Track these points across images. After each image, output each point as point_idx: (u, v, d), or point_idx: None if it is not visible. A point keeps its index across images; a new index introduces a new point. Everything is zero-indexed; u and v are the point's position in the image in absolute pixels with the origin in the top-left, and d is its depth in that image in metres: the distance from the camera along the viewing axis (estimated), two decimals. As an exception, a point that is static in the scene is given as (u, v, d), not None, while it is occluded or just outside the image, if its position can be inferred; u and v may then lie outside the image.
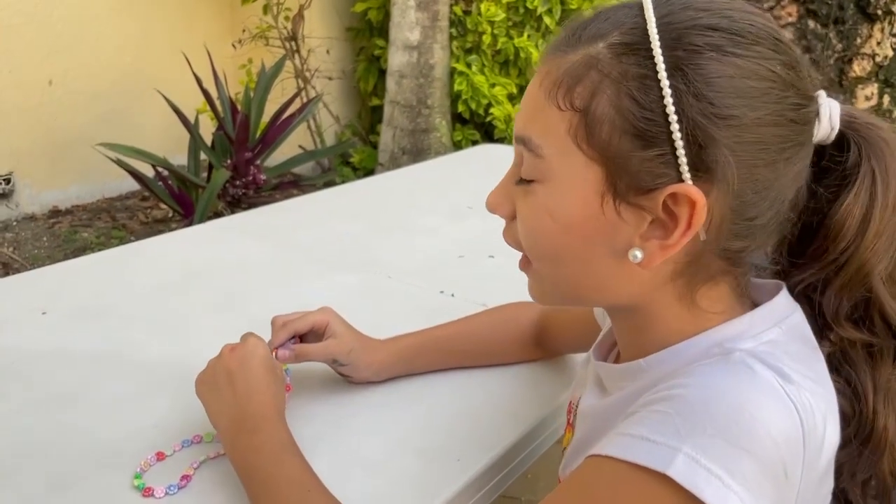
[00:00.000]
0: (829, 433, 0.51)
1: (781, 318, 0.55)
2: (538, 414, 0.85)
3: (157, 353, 0.99)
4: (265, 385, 0.73)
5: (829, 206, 0.56)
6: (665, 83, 0.49)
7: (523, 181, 0.57)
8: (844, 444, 0.58)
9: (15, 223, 3.50)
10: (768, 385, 0.49)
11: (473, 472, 0.74)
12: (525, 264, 0.61)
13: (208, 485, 0.72)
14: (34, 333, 1.04)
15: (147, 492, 0.70)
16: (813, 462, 0.50)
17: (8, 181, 3.49)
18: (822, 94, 0.55)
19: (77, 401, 0.88)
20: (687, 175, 0.50)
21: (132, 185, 3.41)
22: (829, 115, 0.55)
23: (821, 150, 0.57)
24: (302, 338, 0.85)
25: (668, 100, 0.49)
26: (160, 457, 0.76)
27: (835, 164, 0.57)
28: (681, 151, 0.49)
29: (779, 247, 0.59)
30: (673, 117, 0.49)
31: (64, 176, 3.66)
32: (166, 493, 0.70)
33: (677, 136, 0.49)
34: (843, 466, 0.59)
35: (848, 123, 0.56)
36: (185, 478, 0.72)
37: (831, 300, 0.58)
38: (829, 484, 0.55)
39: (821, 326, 0.58)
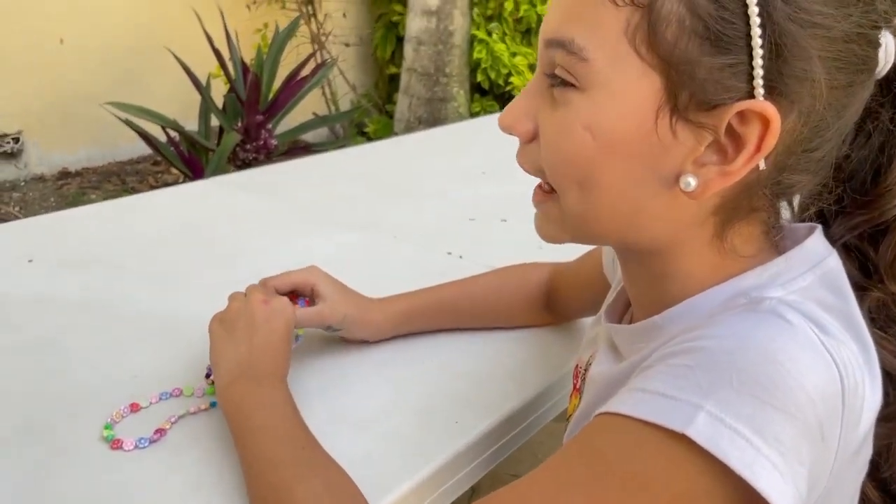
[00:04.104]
0: (869, 394, 0.45)
1: (816, 262, 0.49)
2: (545, 380, 0.79)
3: (146, 305, 0.94)
4: (281, 348, 0.70)
5: None
6: None
7: (558, 84, 0.48)
8: (890, 416, 0.51)
9: (23, 183, 3.47)
10: (804, 336, 0.42)
11: (472, 437, 0.69)
12: (542, 197, 0.53)
13: (183, 441, 0.67)
14: (18, 280, 1.00)
15: (116, 444, 0.65)
16: (852, 425, 0.43)
17: (17, 140, 3.45)
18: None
19: (55, 348, 0.83)
20: (761, 90, 0.43)
21: (143, 149, 3.37)
22: (885, 46, 0.48)
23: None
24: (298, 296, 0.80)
25: None
26: (134, 408, 0.70)
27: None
28: (758, 62, 0.42)
29: (826, 187, 0.52)
30: (755, 20, 0.41)
31: (74, 137, 3.62)
32: (136, 447, 0.65)
33: (757, 42, 0.42)
34: (890, 449, 0.52)
35: None
36: (160, 431, 0.67)
37: (889, 250, 0.51)
38: (868, 453, 0.49)
39: (865, 278, 0.52)
